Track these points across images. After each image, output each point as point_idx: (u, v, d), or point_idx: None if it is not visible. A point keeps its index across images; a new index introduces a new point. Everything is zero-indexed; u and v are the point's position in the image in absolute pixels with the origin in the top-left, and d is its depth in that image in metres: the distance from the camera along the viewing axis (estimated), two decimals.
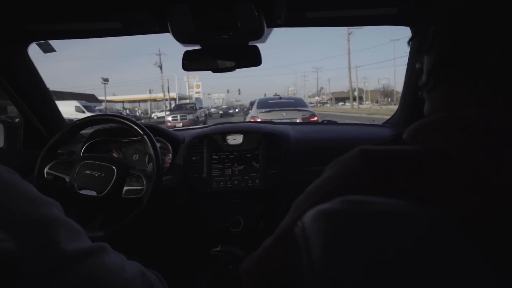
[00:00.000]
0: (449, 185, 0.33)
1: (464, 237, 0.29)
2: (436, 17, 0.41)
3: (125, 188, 1.12)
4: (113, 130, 1.44)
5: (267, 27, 1.09)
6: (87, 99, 33.70)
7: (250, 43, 1.19)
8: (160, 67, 41.08)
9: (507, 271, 0.27)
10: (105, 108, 33.69)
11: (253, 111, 7.71)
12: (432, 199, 0.33)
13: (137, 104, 53.20)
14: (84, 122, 1.21)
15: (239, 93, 65.72)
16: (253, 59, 1.19)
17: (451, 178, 0.33)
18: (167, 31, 1.07)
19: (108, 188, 1.09)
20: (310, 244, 0.31)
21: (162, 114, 35.94)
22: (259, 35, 1.11)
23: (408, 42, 0.53)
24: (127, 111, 36.84)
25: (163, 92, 41.52)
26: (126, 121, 1.18)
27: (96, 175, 1.11)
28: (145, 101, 50.96)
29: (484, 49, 0.36)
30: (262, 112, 7.08)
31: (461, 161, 0.33)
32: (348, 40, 34.91)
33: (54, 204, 0.39)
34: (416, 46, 0.44)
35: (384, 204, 0.31)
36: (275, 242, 0.50)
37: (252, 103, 10.81)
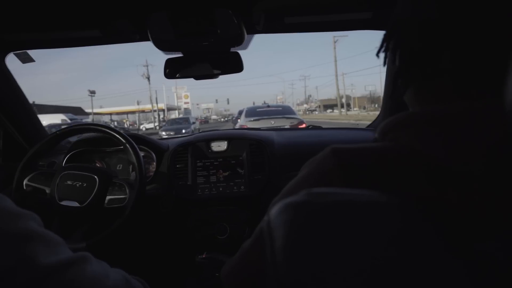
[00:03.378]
0: (414, 179, 0.34)
1: (428, 226, 0.29)
2: (395, 24, 0.43)
3: (108, 197, 1.10)
4: (96, 140, 1.42)
5: (247, 34, 1.10)
6: (74, 112, 33.34)
7: (232, 50, 1.20)
8: (148, 78, 40.99)
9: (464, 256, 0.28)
10: (92, 120, 33.33)
11: (242, 120, 7.73)
12: (398, 192, 0.33)
13: (125, 116, 52.87)
14: (64, 132, 1.20)
15: (228, 103, 65.94)
16: (235, 65, 1.20)
17: (417, 172, 0.34)
18: (147, 39, 1.08)
19: (90, 198, 1.07)
20: (274, 235, 0.31)
21: (151, 125, 35.78)
22: (240, 41, 1.12)
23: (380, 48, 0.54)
24: (115, 123, 36.53)
25: (151, 103, 41.35)
26: (107, 130, 1.17)
27: (77, 185, 1.09)
28: (133, 112, 50.71)
29: (435, 52, 0.38)
30: (251, 120, 7.10)
31: (426, 155, 0.34)
32: (334, 48, 35.47)
33: (31, 217, 0.39)
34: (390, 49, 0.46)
35: (348, 194, 0.32)
36: (252, 244, 0.50)
37: (240, 112, 10.84)
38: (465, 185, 0.31)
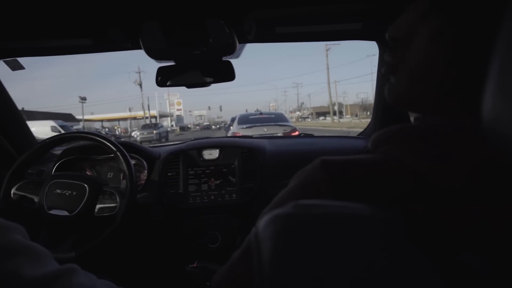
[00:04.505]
0: (402, 193, 0.34)
1: (412, 240, 0.30)
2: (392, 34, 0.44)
3: (98, 206, 1.09)
4: (86, 148, 1.41)
5: (239, 43, 1.11)
6: (64, 118, 32.92)
7: (224, 59, 1.21)
8: (140, 85, 40.84)
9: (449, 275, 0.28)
10: (83, 127, 32.98)
11: (234, 127, 7.72)
12: (385, 206, 0.34)
13: (116, 122, 52.44)
14: (54, 140, 1.18)
15: (221, 110, 66.06)
16: (227, 74, 1.20)
17: (405, 187, 0.35)
18: (139, 48, 1.08)
19: (80, 207, 1.06)
20: (261, 247, 0.31)
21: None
22: (232, 50, 1.13)
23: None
24: (106, 130, 36.21)
25: (143, 110, 41.16)
26: (98, 138, 1.16)
27: (67, 194, 1.08)
28: (125, 119, 50.35)
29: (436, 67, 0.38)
30: (243, 128, 7.09)
31: (415, 171, 0.35)
32: (327, 56, 35.82)
33: (16, 229, 0.38)
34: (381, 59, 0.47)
35: (334, 206, 0.32)
36: (240, 256, 0.50)
37: (233, 119, 10.83)
38: (451, 202, 0.32)
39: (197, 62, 1.20)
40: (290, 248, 0.30)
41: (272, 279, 0.29)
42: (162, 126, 27.39)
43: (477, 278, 0.27)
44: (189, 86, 1.25)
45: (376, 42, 1.22)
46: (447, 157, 0.34)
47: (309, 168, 0.42)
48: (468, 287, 0.27)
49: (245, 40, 1.17)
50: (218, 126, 48.98)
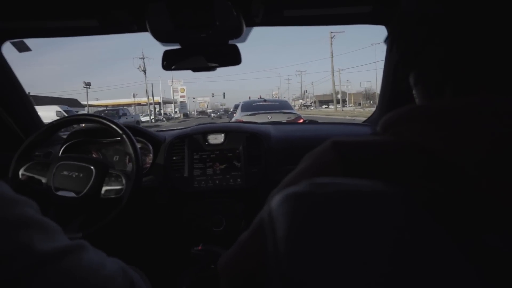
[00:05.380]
0: (415, 173, 0.34)
1: (431, 217, 0.29)
2: (399, 17, 0.43)
3: (104, 188, 1.10)
4: (93, 131, 1.42)
5: (246, 26, 1.10)
6: (69, 103, 32.95)
7: (230, 42, 1.20)
8: (144, 71, 40.67)
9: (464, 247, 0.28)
10: (88, 112, 32.94)
11: (237, 114, 7.67)
12: (400, 185, 0.34)
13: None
14: (61, 123, 1.19)
15: (224, 97, 65.70)
16: (233, 58, 1.19)
17: (418, 166, 0.34)
18: (145, 30, 1.07)
19: (87, 189, 1.07)
20: (276, 225, 0.31)
21: (147, 118, 35.60)
22: (238, 34, 1.11)
23: (384, 41, 0.54)
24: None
25: (147, 96, 41.09)
26: (104, 121, 1.16)
27: (74, 175, 1.09)
28: (129, 105, 50.33)
29: (434, 46, 0.39)
30: (247, 115, 7.03)
31: (428, 150, 0.35)
32: (331, 44, 35.40)
33: (28, 203, 0.38)
34: (389, 45, 0.46)
35: (350, 184, 0.32)
36: (251, 236, 0.50)
37: (236, 106, 10.77)
38: (466, 179, 0.32)
39: (203, 45, 1.19)
40: (307, 225, 0.30)
41: (287, 257, 0.29)
42: (127, 114, 22.44)
43: (501, 258, 0.26)
44: (194, 70, 1.24)
45: (385, 26, 1.21)
46: (461, 135, 0.33)
47: (320, 150, 0.42)
48: (494, 269, 0.26)
49: (252, 24, 1.16)
50: (218, 113, 44.59)
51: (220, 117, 36.36)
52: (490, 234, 0.28)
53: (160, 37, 1.11)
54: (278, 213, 0.32)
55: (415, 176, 0.34)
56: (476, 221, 0.29)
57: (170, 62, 1.20)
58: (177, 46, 1.19)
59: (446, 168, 0.33)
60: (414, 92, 0.45)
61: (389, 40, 0.46)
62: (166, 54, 1.18)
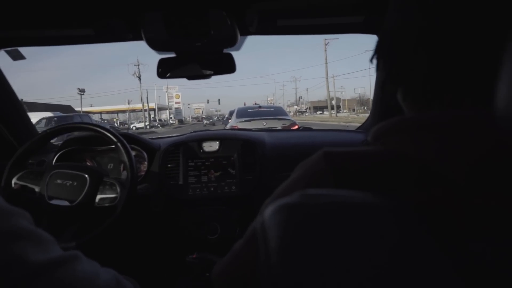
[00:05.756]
0: (405, 183, 0.35)
1: (421, 228, 0.30)
2: (383, 32, 0.45)
3: (99, 196, 1.10)
4: (87, 139, 1.41)
5: (241, 35, 1.11)
6: (63, 110, 32.66)
7: (225, 51, 1.21)
8: (139, 77, 40.62)
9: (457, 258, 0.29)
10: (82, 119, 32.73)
11: (232, 121, 7.66)
12: (390, 196, 0.34)
13: (115, 115, 52.26)
14: (55, 131, 1.18)
15: (219, 103, 65.75)
16: (228, 66, 1.20)
17: (408, 176, 0.35)
18: (140, 39, 1.08)
19: (81, 197, 1.06)
20: (268, 235, 0.31)
21: (141, 124, 35.48)
22: (233, 42, 1.13)
23: (371, 60, 0.55)
24: (105, 122, 35.97)
25: (142, 102, 41.01)
26: (99, 129, 1.16)
27: (67, 184, 1.08)
28: (123, 111, 50.15)
29: (419, 60, 0.39)
30: (242, 121, 7.03)
31: (418, 160, 0.35)
32: (325, 51, 35.70)
33: (22, 215, 0.38)
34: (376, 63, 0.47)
35: (342, 196, 0.32)
36: (245, 245, 0.50)
37: (231, 113, 10.76)
38: (455, 189, 0.32)
39: (198, 54, 1.20)
40: (299, 236, 0.30)
41: (280, 267, 0.29)
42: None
43: (487, 267, 0.27)
44: (189, 78, 1.25)
45: (377, 35, 1.22)
46: (451, 146, 0.34)
47: (312, 159, 0.43)
48: (480, 275, 0.27)
49: (246, 32, 1.17)
50: (210, 120, 41.69)
51: (214, 124, 34.12)
52: (478, 242, 0.29)
53: (155, 46, 1.11)
54: (271, 224, 0.32)
55: (405, 186, 0.34)
56: (464, 229, 0.30)
57: (165, 70, 1.20)
58: (172, 55, 1.19)
59: (436, 178, 0.33)
60: (403, 106, 0.45)
61: (376, 57, 0.47)
62: (161, 62, 1.19)
